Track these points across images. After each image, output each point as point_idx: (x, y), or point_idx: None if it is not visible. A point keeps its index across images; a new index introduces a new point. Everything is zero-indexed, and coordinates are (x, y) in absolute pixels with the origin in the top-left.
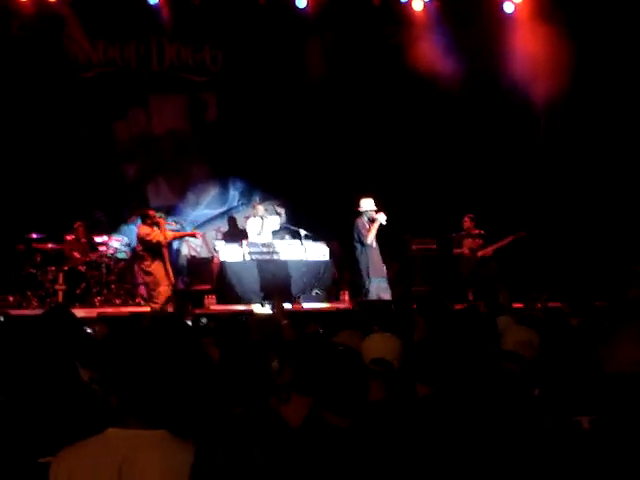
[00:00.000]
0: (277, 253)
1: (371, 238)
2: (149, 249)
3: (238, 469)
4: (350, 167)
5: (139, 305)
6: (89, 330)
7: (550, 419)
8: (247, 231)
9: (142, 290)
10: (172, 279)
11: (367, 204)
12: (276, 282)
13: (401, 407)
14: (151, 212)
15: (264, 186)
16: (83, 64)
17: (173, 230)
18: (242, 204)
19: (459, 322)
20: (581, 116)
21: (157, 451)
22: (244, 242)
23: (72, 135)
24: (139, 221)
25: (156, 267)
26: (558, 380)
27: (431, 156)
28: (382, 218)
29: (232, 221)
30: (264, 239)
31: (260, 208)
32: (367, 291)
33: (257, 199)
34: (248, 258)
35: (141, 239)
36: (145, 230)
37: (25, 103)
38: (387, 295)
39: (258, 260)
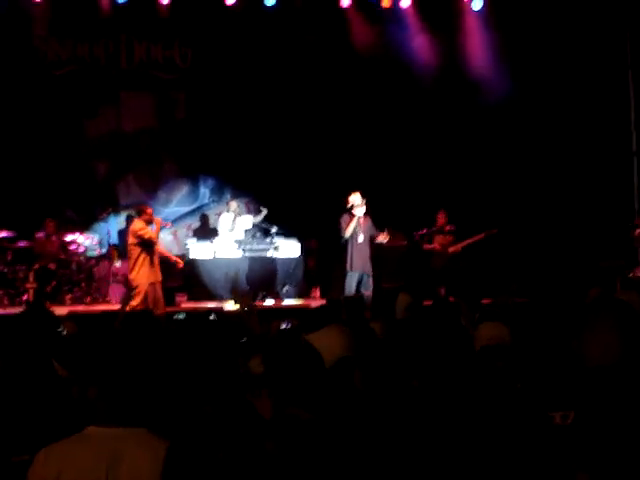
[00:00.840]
0: (249, 250)
1: (349, 232)
2: (139, 245)
3: (207, 465)
4: (321, 164)
5: (109, 304)
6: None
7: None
8: (218, 227)
9: (114, 289)
10: (159, 277)
11: (353, 199)
12: (258, 279)
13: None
14: (149, 210)
15: (235, 183)
16: (52, 62)
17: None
18: (213, 201)
19: (429, 317)
20: (552, 110)
21: (140, 449)
22: (215, 239)
23: (42, 132)
24: (114, 217)
25: (142, 264)
26: (533, 375)
27: (403, 153)
28: (359, 212)
29: (203, 217)
30: (235, 236)
31: (234, 204)
32: (348, 284)
33: (228, 197)
34: (219, 255)
35: (134, 233)
36: (140, 225)
37: None
38: (369, 292)
39: (229, 257)
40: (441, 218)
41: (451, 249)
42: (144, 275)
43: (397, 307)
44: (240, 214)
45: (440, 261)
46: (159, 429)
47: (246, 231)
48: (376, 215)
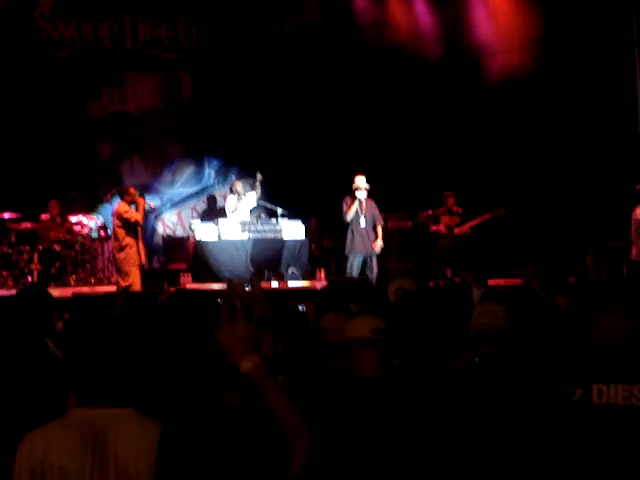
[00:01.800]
0: (254, 232)
1: (350, 216)
2: (124, 227)
3: (203, 447)
4: (326, 144)
5: (114, 285)
6: None
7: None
8: (225, 208)
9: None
10: (143, 260)
11: (358, 181)
12: (253, 260)
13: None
14: (131, 190)
15: (240, 164)
16: (56, 43)
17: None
18: (218, 182)
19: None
20: (557, 91)
21: (128, 429)
22: (220, 220)
23: (46, 114)
24: (118, 198)
25: (129, 246)
26: (541, 354)
27: (408, 133)
28: (361, 195)
29: (211, 198)
30: (240, 217)
31: (239, 185)
32: (349, 267)
33: (233, 177)
34: (224, 237)
35: (119, 216)
36: (124, 207)
37: None
38: (372, 273)
39: (234, 239)
40: (449, 199)
41: (457, 230)
42: (131, 257)
43: (388, 291)
44: (244, 195)
45: (446, 242)
46: (149, 409)
47: (251, 211)
48: (381, 196)
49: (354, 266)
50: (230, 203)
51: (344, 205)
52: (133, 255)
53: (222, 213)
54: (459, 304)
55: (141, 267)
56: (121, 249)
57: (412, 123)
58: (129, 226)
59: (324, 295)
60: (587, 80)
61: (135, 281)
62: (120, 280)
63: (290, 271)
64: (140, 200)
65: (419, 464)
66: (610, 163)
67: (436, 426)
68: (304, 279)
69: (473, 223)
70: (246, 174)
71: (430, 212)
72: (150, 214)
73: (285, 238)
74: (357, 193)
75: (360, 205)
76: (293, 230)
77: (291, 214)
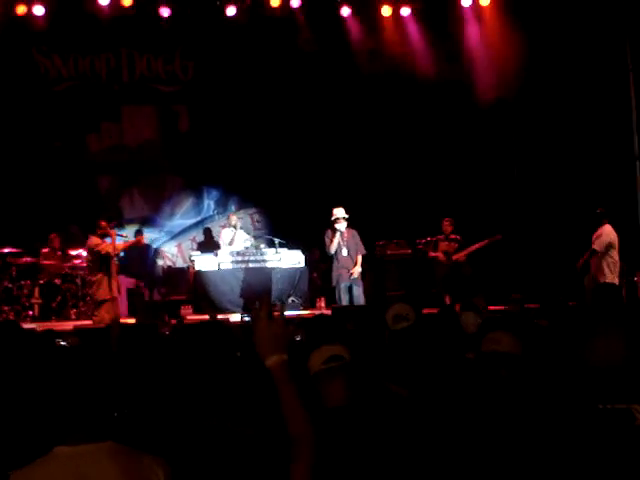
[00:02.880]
0: (252, 262)
1: (334, 248)
2: (97, 260)
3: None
4: (325, 174)
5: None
6: (63, 343)
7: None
8: (220, 241)
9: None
10: (115, 292)
11: (336, 213)
12: (252, 290)
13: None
14: (102, 223)
15: (239, 194)
16: (54, 77)
17: (125, 241)
18: (217, 213)
19: (433, 324)
20: (553, 114)
21: (108, 463)
22: (219, 251)
23: (46, 148)
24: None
25: (100, 279)
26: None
27: (405, 164)
28: (341, 227)
29: (207, 231)
30: (234, 248)
31: (234, 218)
32: (338, 297)
33: (233, 208)
34: (224, 267)
35: (90, 250)
36: (95, 241)
37: None
38: (360, 301)
39: (234, 269)
40: (446, 225)
41: (455, 256)
42: (105, 290)
43: (387, 317)
44: (240, 228)
45: (444, 269)
46: (129, 440)
47: (247, 245)
48: (380, 224)
49: (342, 295)
50: (226, 236)
51: (326, 238)
52: (104, 288)
53: (218, 244)
54: (449, 332)
55: (115, 300)
56: (92, 283)
57: (408, 153)
58: (101, 259)
59: (316, 323)
60: (583, 104)
61: (105, 316)
62: (92, 316)
63: (290, 300)
64: (112, 232)
65: None
66: (606, 185)
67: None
68: (304, 308)
69: (471, 249)
70: (246, 204)
71: (429, 239)
72: (149, 246)
73: (284, 267)
74: (337, 225)
75: (342, 236)
76: (292, 259)
77: (292, 244)
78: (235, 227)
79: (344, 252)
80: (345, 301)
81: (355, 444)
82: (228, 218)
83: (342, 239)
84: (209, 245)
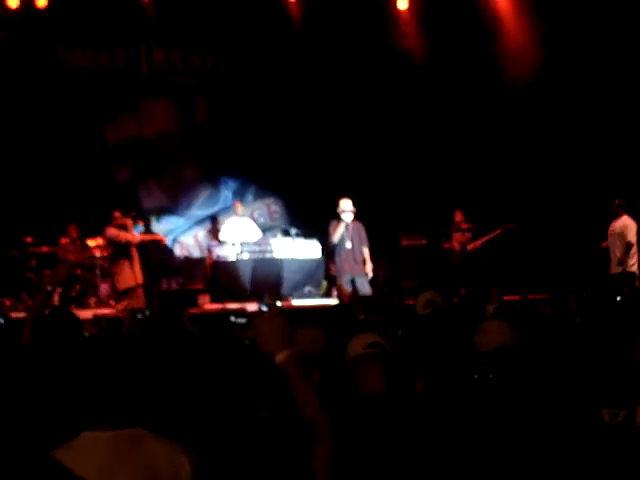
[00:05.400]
0: (270, 251)
1: (337, 238)
2: (117, 250)
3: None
4: (342, 164)
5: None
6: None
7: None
8: (226, 229)
9: (104, 291)
10: (139, 280)
11: (343, 204)
12: (267, 280)
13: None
14: (117, 214)
15: (257, 185)
16: (73, 69)
17: (141, 232)
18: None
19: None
20: (568, 103)
21: (135, 450)
22: (237, 241)
23: (65, 139)
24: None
25: (122, 268)
26: (572, 373)
27: (420, 154)
28: (347, 218)
29: (214, 220)
30: (243, 238)
31: (240, 207)
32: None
33: (250, 198)
34: (242, 257)
35: (110, 241)
36: (114, 232)
37: (17, 108)
38: (366, 291)
39: (251, 258)
40: (458, 216)
41: (470, 246)
42: (128, 278)
43: (417, 303)
44: (245, 217)
45: (458, 259)
46: (158, 427)
47: (266, 230)
48: (394, 215)
49: (347, 286)
50: (228, 225)
51: (330, 228)
52: (126, 277)
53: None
54: (473, 320)
55: (140, 287)
56: (114, 274)
57: (424, 143)
58: (122, 249)
59: (336, 313)
60: (599, 90)
61: (131, 302)
62: (117, 304)
63: (307, 289)
64: (127, 221)
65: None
66: (622, 175)
67: (445, 440)
68: (321, 297)
69: (485, 239)
70: (263, 193)
71: (443, 229)
72: (168, 236)
73: (299, 257)
74: (343, 216)
75: (347, 228)
76: (309, 249)
77: (309, 234)
78: (241, 216)
79: (347, 244)
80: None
81: (389, 431)
82: (234, 206)
83: (347, 231)
84: (214, 233)
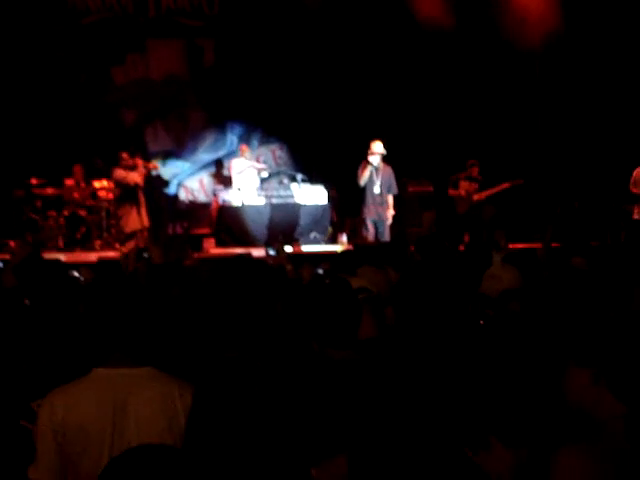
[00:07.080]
0: (276, 197)
1: (364, 180)
2: (124, 192)
3: (235, 411)
4: (350, 110)
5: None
6: (76, 274)
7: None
8: (232, 171)
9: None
10: (145, 223)
11: (373, 147)
12: (275, 225)
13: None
14: (124, 155)
15: (262, 130)
16: (81, 10)
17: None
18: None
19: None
20: (577, 58)
21: (148, 387)
22: (243, 186)
23: (71, 80)
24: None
25: (129, 210)
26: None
27: (430, 102)
28: (375, 161)
29: (218, 163)
30: (255, 182)
31: (245, 149)
32: (364, 230)
33: (256, 143)
34: (248, 202)
35: (117, 183)
36: (121, 174)
37: (23, 49)
38: (382, 238)
39: (268, 203)
40: (475, 168)
41: (476, 196)
42: (135, 221)
43: (423, 222)
44: (252, 159)
45: (464, 207)
46: (169, 368)
47: (272, 176)
48: (403, 162)
49: (370, 229)
50: (237, 166)
51: (358, 170)
52: (133, 220)
53: (229, 177)
54: (480, 266)
55: (146, 230)
56: (121, 216)
57: (434, 92)
58: (129, 191)
59: (342, 258)
60: (611, 49)
61: (138, 245)
62: (122, 247)
63: (312, 235)
64: (138, 160)
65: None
66: (632, 130)
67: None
68: (326, 243)
69: (492, 191)
70: (268, 139)
71: (451, 177)
72: (173, 180)
73: (306, 203)
74: (370, 158)
75: (376, 171)
76: (315, 195)
77: (314, 179)
78: (246, 158)
79: (376, 189)
80: (372, 236)
81: (385, 375)
82: (240, 149)
83: (376, 174)
84: (220, 177)
